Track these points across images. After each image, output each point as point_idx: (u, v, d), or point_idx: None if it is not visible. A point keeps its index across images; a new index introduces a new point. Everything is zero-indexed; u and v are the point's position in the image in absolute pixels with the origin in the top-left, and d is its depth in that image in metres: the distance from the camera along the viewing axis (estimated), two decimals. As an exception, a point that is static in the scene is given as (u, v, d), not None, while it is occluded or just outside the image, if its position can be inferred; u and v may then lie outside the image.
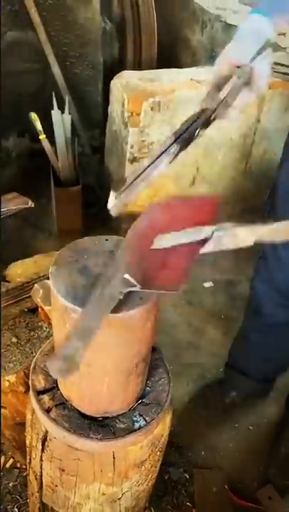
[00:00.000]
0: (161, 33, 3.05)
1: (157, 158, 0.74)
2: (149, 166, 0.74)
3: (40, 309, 1.17)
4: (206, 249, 0.67)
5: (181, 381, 1.80)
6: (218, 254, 2.18)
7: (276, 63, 2.19)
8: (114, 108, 2.18)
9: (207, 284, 2.25)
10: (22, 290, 1.25)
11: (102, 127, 2.86)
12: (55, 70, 2.57)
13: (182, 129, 0.78)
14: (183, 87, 2.05)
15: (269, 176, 2.22)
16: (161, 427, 0.94)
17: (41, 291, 1.18)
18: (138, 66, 2.87)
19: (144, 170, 0.73)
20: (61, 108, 2.31)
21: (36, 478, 1.02)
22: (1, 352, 1.13)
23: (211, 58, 2.94)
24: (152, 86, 2.04)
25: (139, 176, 0.73)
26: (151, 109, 2.01)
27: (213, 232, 0.66)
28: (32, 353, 1.11)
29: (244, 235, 0.63)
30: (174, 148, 0.75)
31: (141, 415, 0.89)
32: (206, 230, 0.66)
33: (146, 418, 0.88)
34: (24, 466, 1.54)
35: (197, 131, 0.80)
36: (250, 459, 1.64)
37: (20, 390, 1.12)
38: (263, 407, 1.78)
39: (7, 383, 1.09)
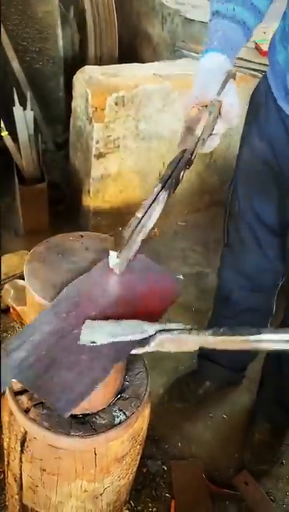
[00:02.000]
0: (122, 28, 3.04)
1: (149, 208, 0.74)
2: (142, 217, 0.73)
3: (11, 310, 1.15)
4: (144, 349, 0.65)
5: (155, 374, 1.81)
6: (188, 247, 2.20)
7: (237, 58, 2.22)
8: (78, 103, 2.15)
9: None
10: (-8, 291, 1.22)
11: (65, 123, 2.83)
12: (15, 65, 2.52)
13: (167, 174, 0.78)
14: (146, 82, 2.06)
15: (233, 170, 2.26)
16: (141, 421, 0.95)
17: (12, 291, 1.16)
18: (99, 61, 2.84)
19: (139, 222, 0.73)
20: (22, 104, 2.26)
21: (16, 480, 1.00)
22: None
23: (172, 53, 2.95)
24: (116, 81, 2.03)
25: (135, 229, 0.73)
26: (116, 103, 2.00)
27: (156, 333, 0.64)
28: (6, 354, 1.09)
29: (189, 343, 0.62)
30: (163, 195, 0.75)
31: (121, 410, 0.89)
32: (148, 330, 0.64)
33: (126, 412, 0.89)
34: (0, 470, 1.52)
35: (182, 173, 0.80)
36: (225, 447, 1.67)
37: (-5, 392, 1.10)
38: (236, 396, 1.82)
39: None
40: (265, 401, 1.68)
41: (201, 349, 1.82)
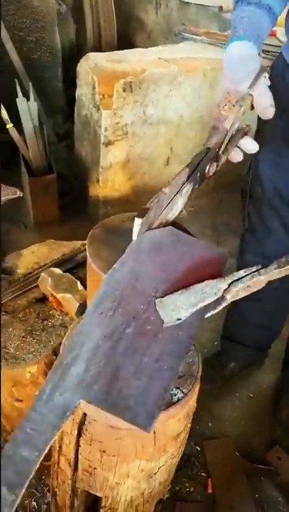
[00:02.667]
0: (116, 16, 3.01)
1: (171, 200, 0.71)
2: (164, 208, 0.71)
3: (51, 297, 1.15)
4: (219, 308, 0.63)
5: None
6: (198, 231, 2.20)
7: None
8: (84, 91, 2.13)
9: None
10: (26, 281, 1.21)
11: (65, 113, 2.81)
12: (14, 56, 2.48)
13: (193, 166, 0.75)
14: (153, 66, 2.04)
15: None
16: (194, 398, 0.96)
17: (49, 279, 1.15)
18: (98, 49, 2.81)
19: (162, 211, 0.71)
20: (24, 95, 2.23)
21: (70, 465, 1.01)
22: (1, 344, 1.09)
23: (168, 38, 2.93)
24: (122, 66, 2.01)
25: (162, 211, 0.71)
26: (123, 90, 1.98)
27: (229, 286, 0.62)
28: (50, 341, 1.09)
29: (261, 283, 0.64)
30: (187, 187, 0.72)
31: (178, 388, 0.90)
32: (222, 286, 0.62)
33: (184, 390, 0.90)
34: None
35: (208, 168, 0.78)
36: (254, 425, 1.69)
37: (40, 380, 1.10)
38: (261, 375, 1.84)
39: (28, 375, 1.07)
40: (289, 381, 1.71)
41: (224, 330, 1.81)
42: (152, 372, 0.57)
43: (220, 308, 0.62)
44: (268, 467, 1.56)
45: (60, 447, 1.03)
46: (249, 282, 0.62)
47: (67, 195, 2.48)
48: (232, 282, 0.62)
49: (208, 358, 1.82)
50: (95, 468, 0.96)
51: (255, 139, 1.43)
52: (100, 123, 2.05)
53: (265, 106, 0.87)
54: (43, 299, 1.19)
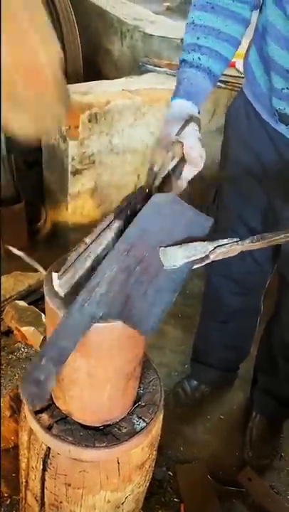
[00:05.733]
0: (83, 45, 3.09)
1: (99, 235, 0.77)
2: (91, 243, 0.77)
3: (16, 330, 1.16)
4: (204, 263, 0.79)
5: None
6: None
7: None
8: (50, 122, 2.17)
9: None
10: (-9, 314, 1.23)
11: (35, 142, 2.84)
12: (-19, 87, 2.51)
13: (123, 204, 0.80)
14: (117, 98, 2.11)
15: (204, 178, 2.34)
16: (157, 426, 0.98)
17: (14, 312, 1.17)
18: (65, 78, 2.87)
19: (87, 247, 0.77)
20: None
21: (37, 500, 1.01)
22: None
23: (134, 68, 3.02)
24: (88, 98, 2.07)
25: (80, 254, 0.76)
26: (89, 120, 2.04)
27: (214, 248, 0.77)
28: (15, 375, 1.10)
29: (237, 250, 0.78)
30: (116, 224, 0.77)
31: (140, 417, 0.92)
32: (209, 247, 0.77)
33: (146, 419, 0.92)
34: (6, 495, 1.51)
35: (138, 207, 0.81)
36: (226, 447, 1.72)
37: (6, 414, 1.10)
38: (231, 396, 1.88)
39: (-7, 409, 1.07)
40: (259, 396, 1.74)
41: (193, 353, 1.85)
42: (153, 300, 0.77)
43: (204, 263, 0.79)
44: (239, 489, 1.58)
45: (26, 482, 1.03)
46: (229, 248, 0.77)
47: (37, 223, 2.50)
48: (217, 246, 0.77)
49: (179, 382, 1.85)
50: (61, 502, 0.96)
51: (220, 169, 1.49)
52: (67, 152, 2.10)
53: (195, 156, 0.91)
54: (8, 332, 1.20)
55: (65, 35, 2.86)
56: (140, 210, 0.77)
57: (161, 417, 1.01)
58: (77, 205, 2.26)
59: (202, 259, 0.78)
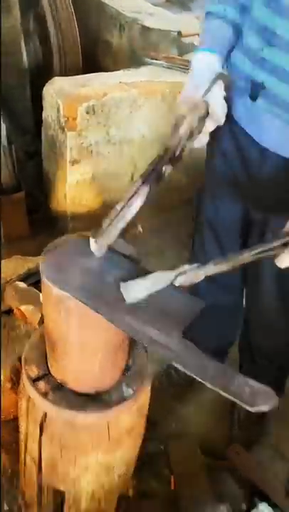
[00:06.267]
0: (82, 37, 3.14)
1: (128, 201, 0.83)
2: (122, 209, 0.83)
3: (16, 310, 1.25)
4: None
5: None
6: (163, 243, 2.32)
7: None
8: (49, 114, 2.25)
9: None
10: (-7, 295, 1.31)
11: (34, 132, 2.91)
12: (-18, 79, 2.58)
13: (149, 169, 0.86)
14: (114, 90, 2.17)
15: (199, 169, 2.41)
16: (145, 395, 1.07)
17: (14, 292, 1.25)
18: (64, 71, 2.94)
19: (118, 213, 0.83)
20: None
21: (35, 463, 1.10)
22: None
23: (133, 60, 3.07)
24: (85, 90, 2.14)
25: (114, 219, 0.83)
26: (87, 112, 2.11)
27: (176, 277, 0.80)
28: (15, 350, 1.18)
29: (200, 275, 0.80)
30: (144, 189, 0.83)
31: (128, 386, 1.01)
32: (170, 277, 0.80)
33: (133, 388, 1.00)
34: (6, 466, 1.60)
35: (164, 169, 0.88)
36: (216, 424, 1.81)
37: (7, 386, 1.19)
38: (221, 376, 1.96)
39: (-5, 381, 1.16)
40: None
41: (184, 336, 1.94)
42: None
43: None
44: (228, 462, 1.67)
45: (25, 447, 1.12)
46: (191, 275, 0.79)
47: (37, 212, 2.58)
48: (179, 274, 0.79)
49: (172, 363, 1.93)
50: (56, 464, 1.05)
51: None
52: (65, 143, 2.17)
53: (219, 115, 0.97)
54: (9, 311, 1.29)
55: (64, 27, 2.91)
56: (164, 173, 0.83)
57: (148, 387, 1.09)
58: (76, 194, 2.34)
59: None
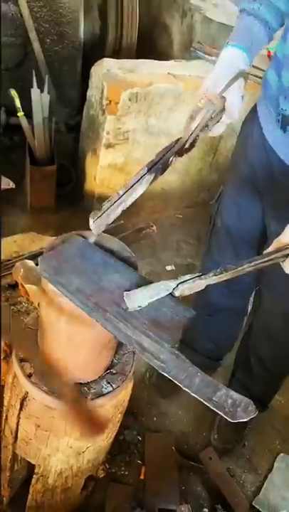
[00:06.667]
0: (142, 16, 3.11)
1: (131, 187, 0.85)
2: (123, 194, 0.85)
3: (20, 286, 1.30)
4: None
5: (139, 357, 1.98)
6: (181, 238, 2.36)
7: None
8: (93, 93, 2.26)
9: (169, 268, 2.42)
10: (3, 267, 1.36)
11: (78, 106, 2.93)
12: (36, 46, 2.60)
13: (155, 160, 0.87)
14: (160, 81, 2.17)
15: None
16: (124, 393, 1.11)
17: (22, 269, 1.30)
18: (118, 47, 2.92)
19: (119, 198, 0.86)
20: (40, 86, 2.36)
21: (12, 433, 1.17)
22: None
23: (188, 48, 3.03)
24: (131, 77, 2.14)
25: (114, 203, 0.86)
26: (129, 99, 2.11)
27: (177, 285, 0.81)
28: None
29: (201, 285, 0.81)
30: (148, 177, 0.85)
31: (108, 382, 1.05)
32: (172, 285, 0.81)
33: (113, 385, 1.05)
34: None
35: (171, 159, 0.90)
36: (196, 425, 1.86)
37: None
38: (211, 381, 2.00)
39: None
40: (234, 388, 1.85)
41: (182, 335, 1.97)
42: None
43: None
44: (198, 465, 1.72)
45: (6, 417, 1.19)
46: (192, 283, 0.80)
47: (66, 186, 2.62)
48: (179, 283, 0.80)
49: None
50: (30, 439, 1.12)
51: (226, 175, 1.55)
52: (103, 126, 2.19)
53: (234, 112, 0.98)
54: (15, 286, 1.34)
55: (125, 4, 2.88)
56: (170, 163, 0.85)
57: (129, 386, 1.14)
58: (105, 177, 2.36)
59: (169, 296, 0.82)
